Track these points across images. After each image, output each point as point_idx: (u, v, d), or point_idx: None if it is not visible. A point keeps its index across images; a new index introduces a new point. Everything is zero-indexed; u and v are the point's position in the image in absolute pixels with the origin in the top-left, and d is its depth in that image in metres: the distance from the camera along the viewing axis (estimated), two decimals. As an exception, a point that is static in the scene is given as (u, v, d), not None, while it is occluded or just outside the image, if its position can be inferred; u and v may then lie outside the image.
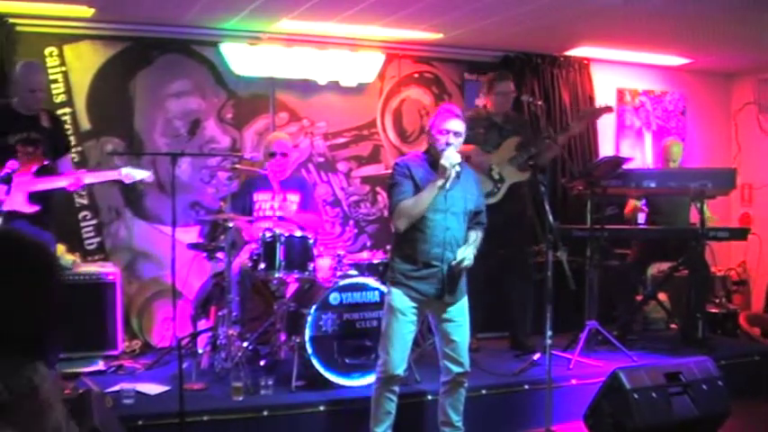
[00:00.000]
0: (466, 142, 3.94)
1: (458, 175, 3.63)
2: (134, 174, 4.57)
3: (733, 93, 7.58)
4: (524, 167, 5.20)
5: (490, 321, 5.49)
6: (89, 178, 4.48)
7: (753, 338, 5.96)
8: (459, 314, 3.75)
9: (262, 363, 4.60)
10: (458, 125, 3.66)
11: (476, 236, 3.79)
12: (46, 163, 4.38)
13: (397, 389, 3.75)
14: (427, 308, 3.75)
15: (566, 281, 4.01)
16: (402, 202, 3.63)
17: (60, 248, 4.87)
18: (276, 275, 4.47)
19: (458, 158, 3.56)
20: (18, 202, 4.24)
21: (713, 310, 6.12)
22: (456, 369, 3.74)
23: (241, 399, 4.02)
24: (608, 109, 5.55)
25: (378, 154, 6.33)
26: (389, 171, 3.90)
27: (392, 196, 3.70)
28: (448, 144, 3.63)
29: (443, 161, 3.54)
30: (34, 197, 4.30)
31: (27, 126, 4.38)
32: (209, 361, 4.63)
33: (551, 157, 5.47)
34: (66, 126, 5.21)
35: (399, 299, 3.66)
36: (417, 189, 3.62)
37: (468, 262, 3.65)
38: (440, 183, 3.55)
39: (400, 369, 3.68)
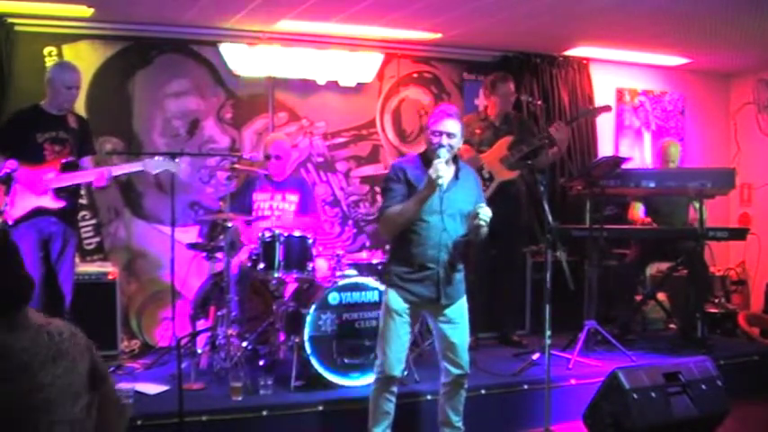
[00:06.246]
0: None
1: (456, 176, 3.62)
2: (159, 164, 4.53)
3: (732, 93, 7.58)
4: (515, 167, 5.21)
5: (486, 321, 5.49)
6: (116, 171, 4.50)
7: (752, 338, 5.95)
8: (458, 315, 3.71)
9: (261, 363, 4.60)
10: (451, 125, 3.57)
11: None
12: (70, 160, 4.43)
13: (395, 389, 3.73)
14: (423, 309, 3.72)
15: (565, 281, 4.01)
16: (388, 210, 3.59)
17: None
18: (275, 275, 4.48)
19: (443, 171, 3.41)
20: (44, 198, 4.31)
21: (712, 310, 6.11)
22: (456, 371, 3.71)
23: (240, 399, 4.02)
24: (606, 108, 5.56)
25: (377, 154, 6.33)
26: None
27: (383, 201, 3.68)
28: (441, 145, 3.53)
29: (431, 172, 3.40)
30: (60, 193, 4.37)
31: (55, 126, 4.45)
32: (208, 361, 4.63)
33: (552, 159, 5.39)
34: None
35: (395, 300, 3.64)
36: (412, 191, 3.57)
37: (485, 218, 3.45)
38: (425, 194, 3.46)
39: (398, 370, 3.66)
